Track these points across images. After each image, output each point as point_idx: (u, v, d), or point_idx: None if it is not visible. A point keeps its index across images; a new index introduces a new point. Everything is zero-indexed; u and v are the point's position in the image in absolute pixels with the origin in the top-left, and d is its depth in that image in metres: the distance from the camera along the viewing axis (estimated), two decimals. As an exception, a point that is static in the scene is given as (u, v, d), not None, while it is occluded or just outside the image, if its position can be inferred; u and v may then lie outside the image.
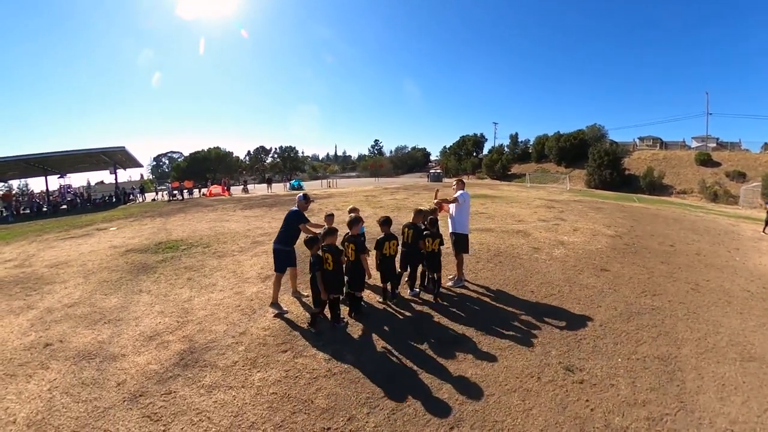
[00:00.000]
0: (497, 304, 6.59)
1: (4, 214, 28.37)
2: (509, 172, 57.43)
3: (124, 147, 32.88)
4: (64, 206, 31.59)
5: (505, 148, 64.86)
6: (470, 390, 4.10)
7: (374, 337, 5.21)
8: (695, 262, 9.56)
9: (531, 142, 62.27)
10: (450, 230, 7.60)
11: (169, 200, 30.98)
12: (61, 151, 31.09)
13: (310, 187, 41.95)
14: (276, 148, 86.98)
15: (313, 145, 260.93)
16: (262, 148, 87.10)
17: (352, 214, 6.32)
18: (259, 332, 5.31)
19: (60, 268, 9.16)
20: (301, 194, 6.53)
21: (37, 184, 36.38)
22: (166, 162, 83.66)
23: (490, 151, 66.25)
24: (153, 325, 5.65)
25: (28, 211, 29.99)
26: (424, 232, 6.54)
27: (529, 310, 6.33)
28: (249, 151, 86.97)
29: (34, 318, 6.07)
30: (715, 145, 49.10)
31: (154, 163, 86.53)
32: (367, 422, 3.52)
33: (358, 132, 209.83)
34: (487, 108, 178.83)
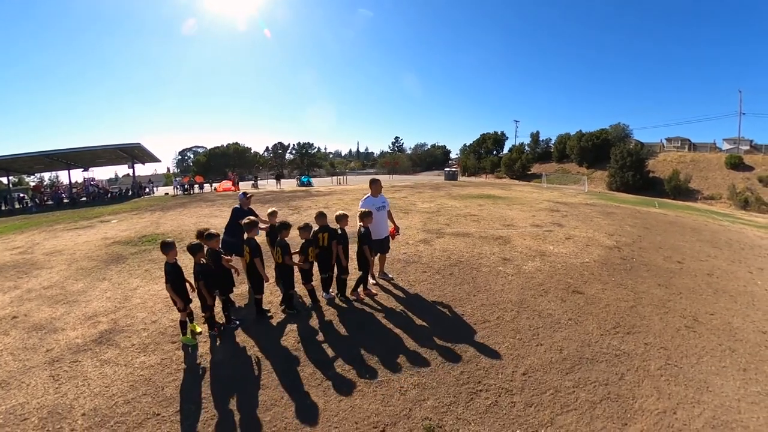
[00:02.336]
0: (404, 325, 5.41)
1: (29, 205, 30.57)
2: (529, 172, 54.51)
3: (139, 143, 33.88)
4: (84, 198, 33.04)
5: (526, 147, 61.56)
6: (289, 424, 3.57)
7: (251, 343, 5.02)
8: (703, 285, 7.48)
9: (552, 141, 59.05)
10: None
11: (183, 194, 31.46)
12: (80, 147, 32.36)
13: (319, 183, 41.29)
14: (294, 144, 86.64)
15: (335, 141, 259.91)
16: (280, 144, 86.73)
17: (273, 212, 6.51)
18: (167, 323, 5.58)
19: (53, 256, 10.00)
20: (242, 192, 7.13)
21: (66, 177, 38.27)
22: (191, 156, 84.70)
23: (510, 150, 63.09)
24: (96, 307, 6.32)
25: (51, 203, 31.51)
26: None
27: (441, 338, 4.98)
28: (267, 147, 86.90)
29: (15, 296, 7.03)
30: (748, 147, 44.39)
31: (179, 157, 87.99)
32: (189, 418, 3.64)
33: (380, 129, 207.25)
34: (509, 105, 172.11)
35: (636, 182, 39.48)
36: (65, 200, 32.22)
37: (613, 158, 42.35)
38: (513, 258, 8.72)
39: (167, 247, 4.82)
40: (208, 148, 78.83)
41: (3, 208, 30.36)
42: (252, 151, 78.77)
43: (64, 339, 5.21)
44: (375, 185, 6.75)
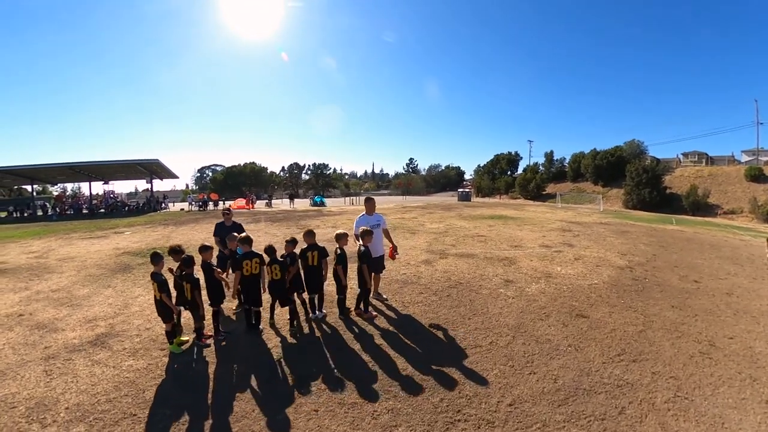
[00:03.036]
0: (390, 348, 5.17)
1: (50, 213, 31.99)
2: (544, 192, 53.57)
3: (158, 159, 35.28)
4: (103, 210, 34.24)
5: (540, 167, 60.69)
6: None
7: (235, 355, 5.01)
8: (722, 306, 6.90)
9: (567, 161, 58.08)
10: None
11: (198, 210, 32.44)
12: (102, 161, 34.39)
13: (332, 203, 41.64)
14: (309, 165, 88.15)
15: (351, 162, 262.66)
16: (296, 164, 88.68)
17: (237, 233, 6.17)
18: (159, 331, 5.57)
19: (65, 262, 10.52)
20: (225, 208, 7.53)
21: (87, 189, 40.48)
22: (209, 174, 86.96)
23: (524, 170, 62.35)
24: (97, 311, 6.55)
25: (71, 212, 32.98)
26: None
27: (426, 363, 4.73)
28: (283, 167, 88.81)
29: (25, 296, 7.44)
30: (768, 158, 42.69)
31: (198, 174, 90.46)
32: (162, 421, 3.69)
33: (395, 150, 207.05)
34: (523, 125, 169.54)
35: (653, 199, 38.15)
36: (85, 211, 33.61)
37: (628, 176, 41.21)
38: (516, 280, 8.31)
39: (157, 258, 5.08)
40: (226, 166, 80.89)
41: (26, 214, 31.82)
42: (268, 171, 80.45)
43: (62, 338, 5.50)
44: (369, 203, 6.71)
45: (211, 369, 4.66)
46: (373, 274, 6.42)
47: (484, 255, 10.88)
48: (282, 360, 4.85)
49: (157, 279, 4.87)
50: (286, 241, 5.90)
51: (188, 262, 5.01)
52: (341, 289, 6.03)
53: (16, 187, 46.95)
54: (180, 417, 3.75)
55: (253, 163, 78.36)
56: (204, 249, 5.39)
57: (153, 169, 37.90)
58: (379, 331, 5.68)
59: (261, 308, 5.64)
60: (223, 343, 5.28)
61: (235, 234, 6.12)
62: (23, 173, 33.47)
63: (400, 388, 4.21)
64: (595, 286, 7.96)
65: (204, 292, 5.37)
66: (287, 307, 5.72)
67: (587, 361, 4.75)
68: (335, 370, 4.60)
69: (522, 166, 66.48)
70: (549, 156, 60.97)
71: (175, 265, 5.24)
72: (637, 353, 4.98)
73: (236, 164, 78.18)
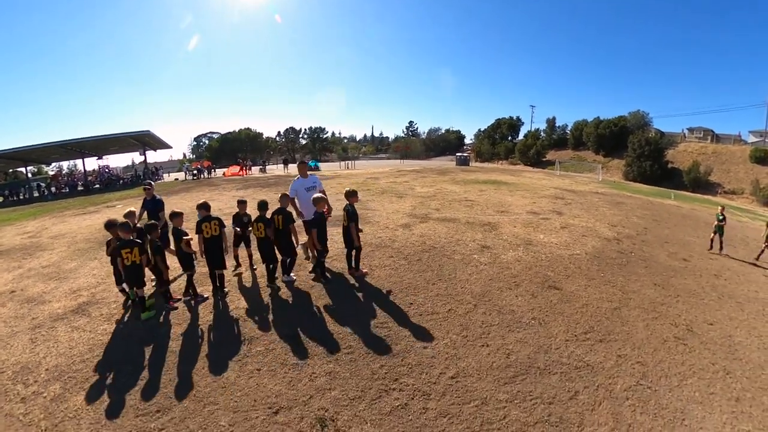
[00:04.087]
0: (344, 311, 5.01)
1: (46, 193, 31.96)
2: (544, 159, 52.23)
3: (149, 131, 34.38)
4: (97, 185, 33.68)
5: (542, 133, 58.66)
6: (199, 392, 3.74)
7: (199, 316, 5.11)
8: (707, 288, 6.44)
9: (569, 128, 55.97)
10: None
11: (192, 179, 31.64)
12: (93, 137, 33.08)
13: (327, 167, 40.82)
14: (306, 129, 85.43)
15: (350, 126, 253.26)
16: (292, 129, 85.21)
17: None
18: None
19: (57, 239, 10.50)
20: (146, 182, 7.23)
21: (88, 165, 40.11)
22: (206, 142, 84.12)
23: (525, 136, 60.50)
24: (81, 283, 6.71)
25: (66, 190, 32.60)
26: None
27: (376, 327, 4.53)
28: (279, 132, 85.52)
29: (18, 274, 7.54)
30: (776, 140, 41.20)
31: (195, 143, 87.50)
32: (125, 377, 3.99)
33: (395, 113, 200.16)
34: (526, 90, 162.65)
35: (654, 172, 37.09)
36: (80, 188, 33.02)
37: (630, 147, 39.86)
38: (493, 246, 7.79)
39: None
40: (222, 133, 78.57)
41: (22, 197, 31.72)
42: (264, 137, 78.13)
43: (48, 309, 5.76)
44: (301, 167, 6.73)
45: (175, 330, 4.81)
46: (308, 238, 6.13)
47: (467, 220, 10.31)
48: (240, 320, 4.91)
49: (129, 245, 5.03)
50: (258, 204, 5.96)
51: (150, 228, 5.25)
52: (357, 248, 5.95)
53: (11, 170, 45.92)
54: (140, 373, 4.05)
55: (248, 128, 75.38)
56: (174, 216, 5.47)
57: (145, 141, 37.09)
58: (340, 294, 5.42)
59: (224, 270, 5.73)
60: (178, 304, 5.42)
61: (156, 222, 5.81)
62: (15, 156, 32.74)
63: (344, 351, 4.09)
64: (575, 257, 7.47)
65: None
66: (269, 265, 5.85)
67: (549, 337, 4.31)
68: (287, 332, 4.58)
69: (523, 131, 64.22)
70: (551, 122, 58.88)
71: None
72: (605, 332, 4.53)
73: (231, 131, 75.69)
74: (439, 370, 3.62)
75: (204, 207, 5.68)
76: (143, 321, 5.05)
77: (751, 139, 44.99)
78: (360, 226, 6.26)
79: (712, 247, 9.38)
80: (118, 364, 4.23)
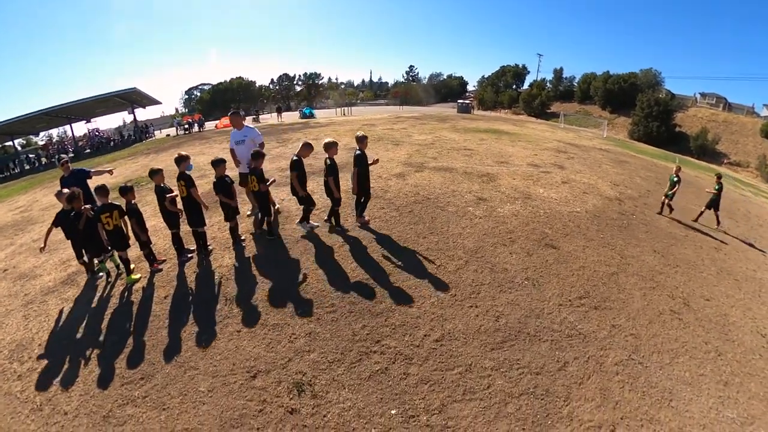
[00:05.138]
0: (328, 267, 4.73)
1: (36, 165, 31.26)
2: (548, 110, 50.54)
3: (135, 88, 32.86)
4: (88, 150, 32.63)
5: (548, 84, 56.40)
6: (180, 356, 3.72)
7: (184, 277, 5.02)
8: (707, 261, 6.21)
9: (576, 80, 53.71)
10: None
11: (184, 134, 30.43)
12: (76, 100, 31.47)
13: (322, 114, 39.08)
14: (300, 75, 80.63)
15: (348, 71, 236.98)
16: (286, 75, 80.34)
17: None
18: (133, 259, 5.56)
19: (47, 211, 10.06)
20: (57, 157, 5.90)
21: (77, 130, 38.06)
22: (197, 94, 78.93)
23: (530, 85, 58.15)
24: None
25: (57, 159, 31.45)
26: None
27: (360, 285, 4.29)
28: (272, 80, 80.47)
29: (9, 252, 7.38)
30: (791, 118, 39.91)
31: (186, 96, 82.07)
32: (112, 346, 4.01)
33: (395, 57, 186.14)
34: (534, 37, 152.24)
35: (660, 134, 36.10)
36: (71, 154, 31.60)
37: (639, 105, 38.36)
38: (490, 198, 7.38)
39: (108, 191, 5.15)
40: (214, 84, 73.91)
41: (14, 171, 30.78)
42: (257, 85, 74.00)
43: (39, 284, 5.73)
44: (234, 118, 6.39)
45: (159, 293, 4.75)
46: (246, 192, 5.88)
47: (464, 170, 9.77)
48: (221, 281, 4.75)
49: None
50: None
51: (125, 190, 5.07)
52: (335, 201, 5.62)
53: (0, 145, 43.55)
54: (126, 340, 4.06)
55: (240, 77, 71.18)
56: (154, 173, 5.21)
57: (133, 99, 35.38)
58: (325, 250, 5.10)
59: (205, 228, 5.48)
60: (164, 265, 5.34)
61: (69, 190, 5.43)
62: None
63: (326, 310, 3.85)
64: (575, 215, 7.13)
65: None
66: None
67: (542, 301, 4.05)
68: (268, 290, 4.43)
69: (529, 81, 61.45)
70: (558, 73, 56.26)
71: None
72: (601, 299, 4.29)
73: (222, 81, 71.23)
74: (423, 332, 3.37)
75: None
76: (129, 285, 4.99)
77: (765, 112, 43.46)
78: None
79: (661, 211, 8.64)
80: (106, 332, 4.24)
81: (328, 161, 5.40)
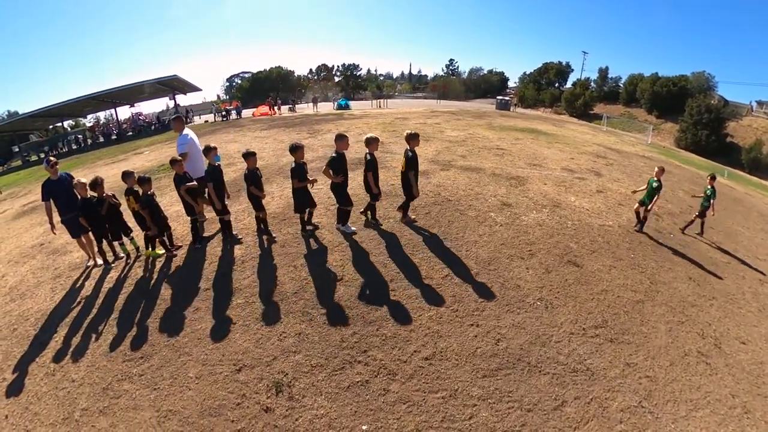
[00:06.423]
0: (331, 269, 4.67)
1: (82, 145, 33.05)
2: (591, 111, 48.04)
3: (176, 75, 34.28)
4: (130, 133, 34.35)
5: (592, 84, 53.72)
6: (176, 341, 3.88)
7: (196, 263, 5.22)
8: (748, 295, 5.57)
9: (622, 81, 50.95)
10: None
11: (222, 120, 31.04)
12: (121, 86, 33.37)
13: (357, 106, 38.87)
14: (339, 66, 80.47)
15: (388, 63, 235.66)
16: (324, 66, 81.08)
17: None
18: (140, 242, 5.86)
19: None
20: (45, 159, 6.05)
21: (121, 114, 41.65)
22: (238, 82, 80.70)
23: (573, 84, 55.54)
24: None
25: (101, 140, 33.82)
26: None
27: (360, 290, 4.22)
28: (311, 70, 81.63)
29: (46, 229, 7.39)
30: None
31: (228, 83, 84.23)
32: (123, 322, 4.31)
33: (435, 51, 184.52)
34: (579, 34, 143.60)
35: (709, 144, 33.62)
36: (114, 137, 33.77)
37: (688, 111, 35.89)
38: (515, 204, 6.96)
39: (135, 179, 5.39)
40: (254, 72, 75.16)
41: (62, 150, 33.05)
42: (295, 75, 74.87)
43: (68, 260, 6.18)
44: (175, 122, 6.79)
45: (171, 278, 5.05)
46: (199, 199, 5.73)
47: (493, 171, 9.29)
48: (231, 271, 4.93)
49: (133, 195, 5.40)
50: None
51: (143, 181, 5.27)
52: (373, 196, 5.62)
53: (51, 126, 47.30)
54: (134, 318, 4.33)
55: (279, 67, 72.29)
56: (173, 162, 5.40)
57: (174, 85, 37.00)
58: (331, 250, 5.07)
59: (227, 216, 5.69)
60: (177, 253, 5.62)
61: (82, 181, 5.48)
62: (51, 113, 33.82)
63: (320, 312, 3.80)
64: (606, 229, 6.61)
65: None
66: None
67: (552, 326, 3.73)
68: (267, 286, 4.46)
69: (572, 79, 58.99)
70: (603, 72, 53.52)
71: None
72: (620, 330, 3.91)
73: (262, 69, 72.46)
74: (414, 347, 3.18)
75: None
76: (153, 258, 5.50)
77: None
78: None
79: (637, 224, 6.99)
80: (119, 309, 4.55)
81: (368, 156, 5.32)
